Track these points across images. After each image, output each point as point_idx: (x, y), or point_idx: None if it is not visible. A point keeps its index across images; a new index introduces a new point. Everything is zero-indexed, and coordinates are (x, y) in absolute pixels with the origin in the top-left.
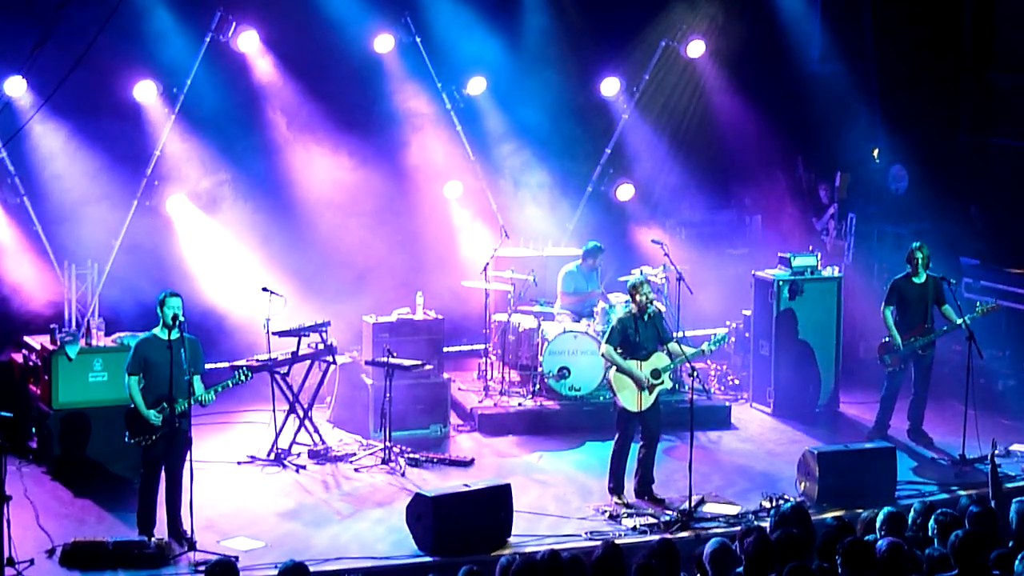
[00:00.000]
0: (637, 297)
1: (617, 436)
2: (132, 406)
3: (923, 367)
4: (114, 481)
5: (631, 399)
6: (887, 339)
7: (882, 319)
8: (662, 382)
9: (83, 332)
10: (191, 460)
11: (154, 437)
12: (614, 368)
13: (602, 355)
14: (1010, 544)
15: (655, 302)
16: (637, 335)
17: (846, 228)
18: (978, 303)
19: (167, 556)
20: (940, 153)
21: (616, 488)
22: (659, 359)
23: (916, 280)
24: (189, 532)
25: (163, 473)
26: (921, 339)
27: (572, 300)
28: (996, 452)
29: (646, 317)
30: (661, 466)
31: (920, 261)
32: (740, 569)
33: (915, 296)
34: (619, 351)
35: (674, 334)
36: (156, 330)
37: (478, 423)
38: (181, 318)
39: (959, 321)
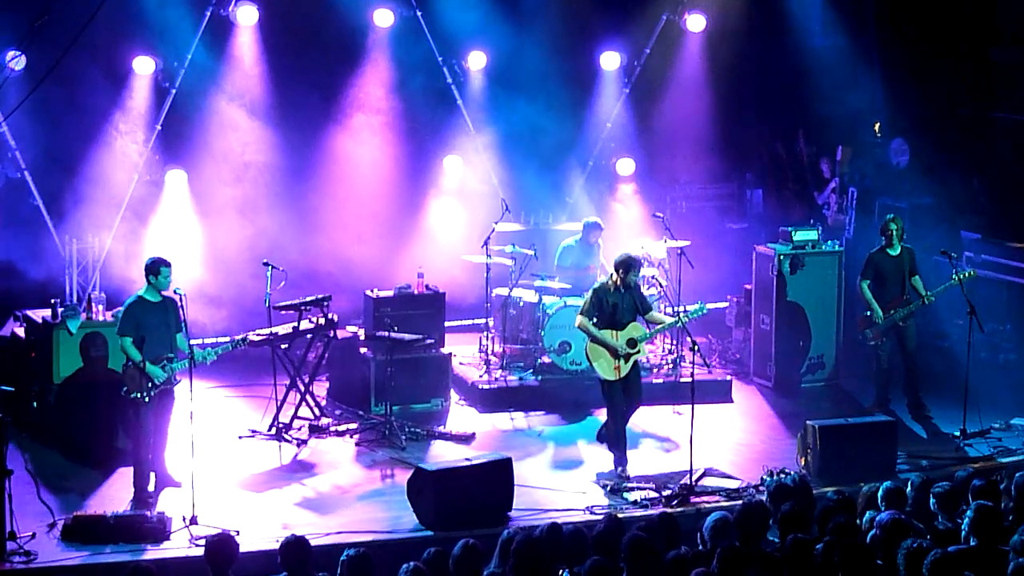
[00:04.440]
0: (626, 276)
1: (607, 409)
2: (130, 364)
3: (907, 339)
4: (115, 455)
5: (607, 368)
6: (867, 313)
7: (859, 293)
8: (638, 351)
9: (84, 306)
10: (185, 434)
11: (152, 394)
12: (589, 339)
13: (578, 327)
14: (1010, 518)
15: (656, 275)
16: (613, 306)
17: (847, 202)
18: (954, 272)
19: (167, 530)
20: (941, 127)
21: (619, 460)
22: (635, 329)
23: (891, 252)
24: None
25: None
26: (901, 310)
27: (568, 274)
28: (997, 426)
29: (623, 290)
30: (662, 440)
31: (895, 233)
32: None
33: (891, 268)
34: (595, 321)
35: (650, 304)
36: (143, 292)
37: (479, 398)
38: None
39: (924, 294)
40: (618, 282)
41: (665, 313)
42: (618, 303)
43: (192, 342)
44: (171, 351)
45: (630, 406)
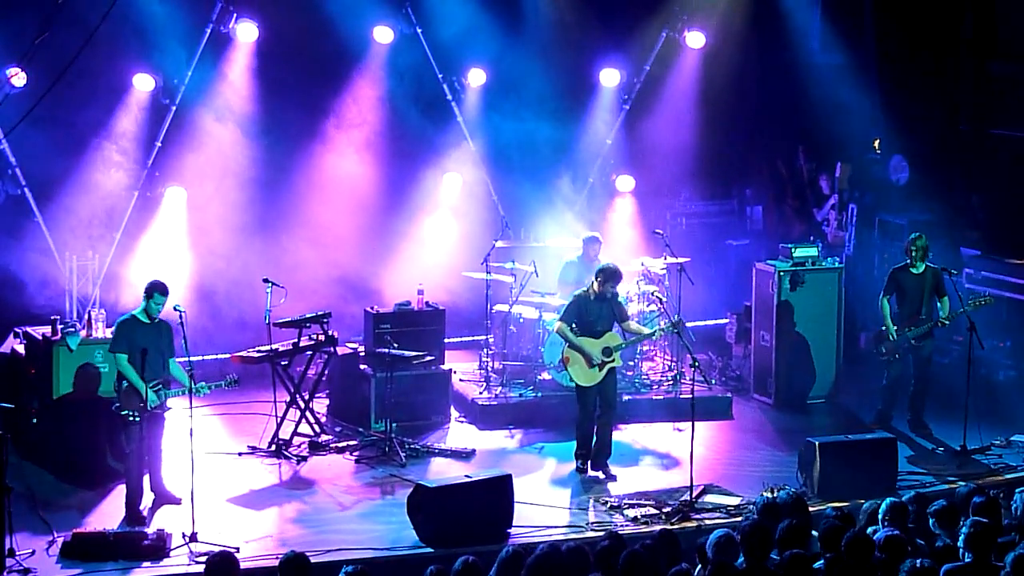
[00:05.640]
0: (603, 285)
1: (579, 409)
2: (124, 382)
3: (921, 358)
4: (115, 472)
5: (581, 375)
6: (883, 328)
7: (879, 309)
8: (613, 360)
9: (84, 323)
10: (185, 451)
11: (142, 415)
12: (567, 344)
13: (556, 331)
14: (1012, 535)
15: (656, 291)
16: (591, 314)
17: (847, 219)
18: (970, 298)
19: (167, 547)
20: (941, 143)
21: (583, 455)
22: (611, 338)
23: (914, 271)
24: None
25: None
26: (915, 329)
27: (570, 291)
28: (998, 443)
29: (601, 299)
30: (663, 457)
31: (916, 252)
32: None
33: (912, 286)
34: (574, 328)
35: (629, 314)
36: (136, 311)
37: (479, 414)
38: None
39: (943, 315)
40: (597, 290)
41: (663, 328)
42: (596, 312)
43: (192, 358)
44: (161, 374)
45: (605, 413)
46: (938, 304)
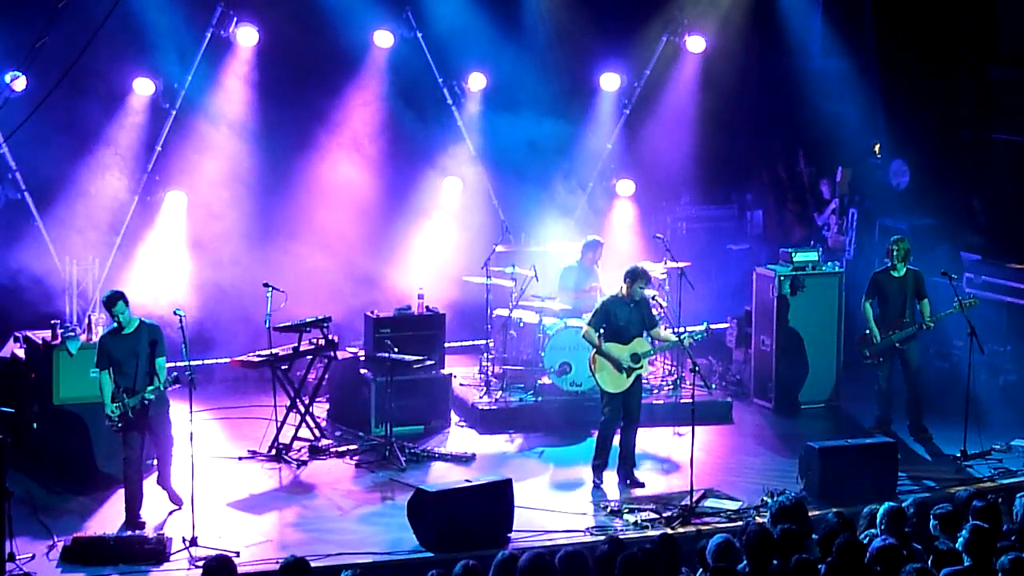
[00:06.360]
0: (632, 286)
1: (602, 418)
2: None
3: (908, 361)
4: (115, 477)
5: (609, 380)
6: (867, 332)
7: (862, 312)
8: (641, 366)
9: (84, 327)
10: (185, 455)
11: (119, 424)
12: (595, 350)
13: (583, 336)
14: (1012, 539)
15: (656, 296)
16: (620, 319)
17: (847, 223)
18: (955, 300)
19: (167, 551)
20: (941, 148)
21: (599, 466)
22: (640, 344)
23: (895, 274)
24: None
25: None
26: (899, 333)
27: (569, 296)
28: (998, 447)
29: (631, 304)
30: (663, 461)
31: (896, 254)
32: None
33: (894, 290)
34: (601, 333)
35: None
36: (112, 325)
37: (479, 418)
38: (129, 318)
39: (925, 320)
40: (627, 293)
41: (691, 335)
42: (626, 316)
43: (193, 362)
44: (140, 380)
45: (628, 422)
46: (919, 307)
